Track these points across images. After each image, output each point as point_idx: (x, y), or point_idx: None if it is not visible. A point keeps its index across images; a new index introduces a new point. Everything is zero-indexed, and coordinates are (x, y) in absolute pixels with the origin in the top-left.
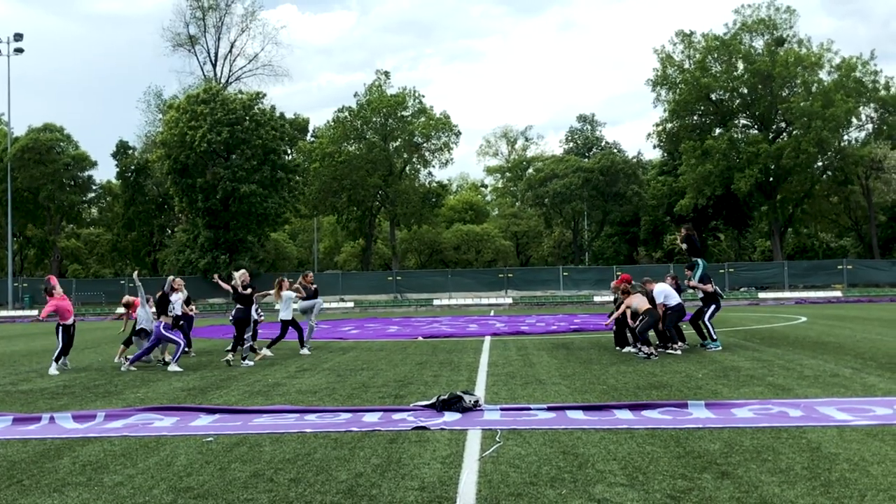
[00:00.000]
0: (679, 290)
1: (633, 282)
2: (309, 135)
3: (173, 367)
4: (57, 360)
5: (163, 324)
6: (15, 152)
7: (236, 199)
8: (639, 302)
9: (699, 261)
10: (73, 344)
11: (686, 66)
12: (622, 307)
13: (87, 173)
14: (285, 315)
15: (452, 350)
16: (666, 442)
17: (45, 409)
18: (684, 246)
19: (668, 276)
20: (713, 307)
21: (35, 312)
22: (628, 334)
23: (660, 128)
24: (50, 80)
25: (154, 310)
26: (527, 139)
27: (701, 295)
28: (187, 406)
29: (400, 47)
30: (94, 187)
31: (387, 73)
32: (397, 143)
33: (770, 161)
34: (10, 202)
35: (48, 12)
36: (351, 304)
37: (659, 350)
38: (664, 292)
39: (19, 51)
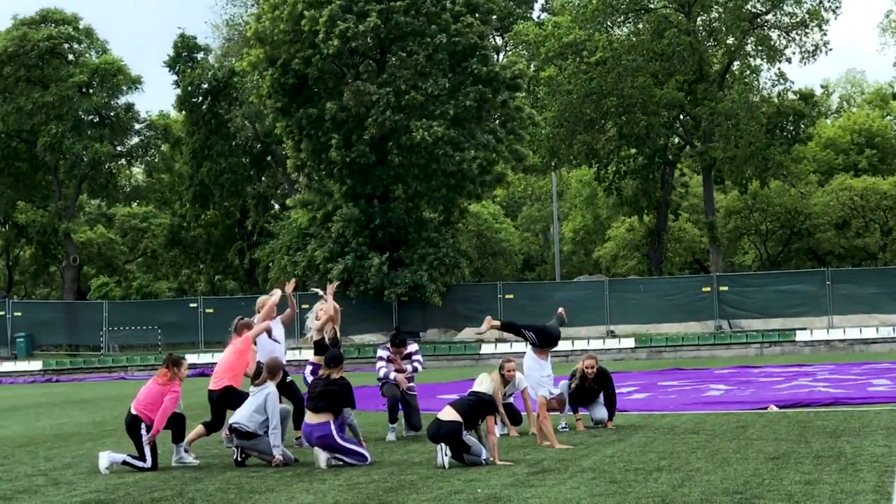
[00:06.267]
0: None
1: None
2: (536, 10)
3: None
4: None
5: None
6: None
7: (404, 147)
8: None
9: None
10: None
11: None
12: None
13: (123, 99)
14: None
15: (840, 431)
16: None
17: None
18: None
19: None
20: None
21: None
22: None
23: None
24: None
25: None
26: None
27: None
28: None
29: None
30: (136, 124)
31: None
32: (713, 17)
33: None
34: None
35: None
36: (631, 342)
37: None
38: None
39: None
